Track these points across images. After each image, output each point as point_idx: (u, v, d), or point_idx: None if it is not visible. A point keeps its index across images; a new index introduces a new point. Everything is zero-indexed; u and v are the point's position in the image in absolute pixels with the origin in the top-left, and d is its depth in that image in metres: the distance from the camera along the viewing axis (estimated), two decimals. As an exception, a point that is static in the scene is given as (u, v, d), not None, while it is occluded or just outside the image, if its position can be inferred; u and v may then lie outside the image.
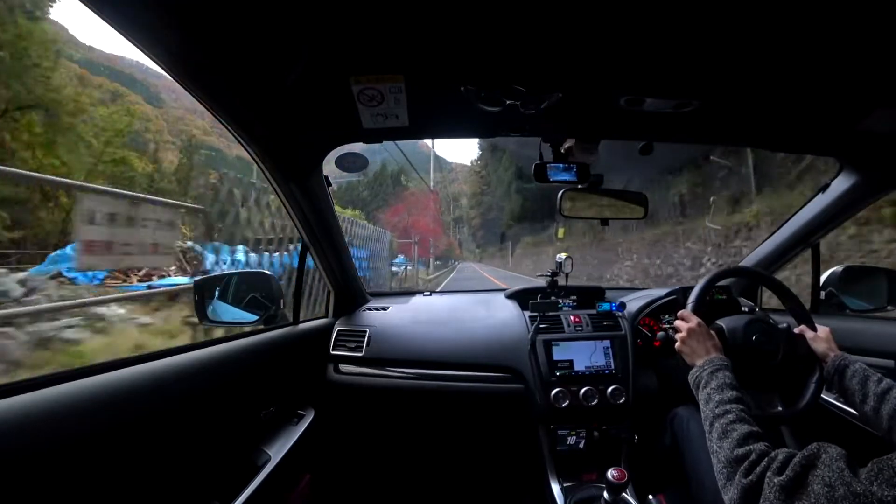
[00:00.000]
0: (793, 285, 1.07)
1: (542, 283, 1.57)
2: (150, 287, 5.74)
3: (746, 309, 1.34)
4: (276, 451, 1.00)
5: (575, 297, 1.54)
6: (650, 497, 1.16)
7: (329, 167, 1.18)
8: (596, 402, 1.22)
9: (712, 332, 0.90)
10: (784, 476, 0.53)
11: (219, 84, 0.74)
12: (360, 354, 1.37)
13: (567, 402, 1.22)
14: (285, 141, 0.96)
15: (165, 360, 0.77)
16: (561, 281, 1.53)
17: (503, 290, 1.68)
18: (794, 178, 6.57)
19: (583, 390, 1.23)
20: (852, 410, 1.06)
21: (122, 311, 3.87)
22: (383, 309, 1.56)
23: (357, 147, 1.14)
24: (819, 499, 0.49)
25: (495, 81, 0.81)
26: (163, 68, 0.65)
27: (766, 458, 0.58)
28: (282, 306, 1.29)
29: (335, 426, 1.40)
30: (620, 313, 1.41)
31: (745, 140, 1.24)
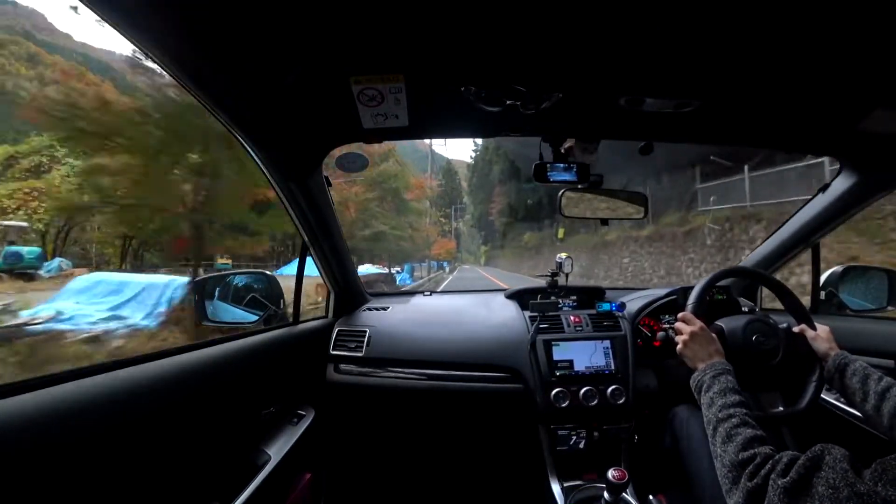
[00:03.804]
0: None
1: (542, 283, 1.57)
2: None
3: (746, 309, 1.34)
4: (276, 451, 1.00)
5: (575, 298, 1.54)
6: (650, 497, 1.16)
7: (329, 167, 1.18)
8: (596, 402, 1.22)
9: (713, 335, 0.90)
10: (788, 478, 0.53)
11: (219, 84, 0.74)
12: (360, 354, 1.37)
13: (567, 402, 1.22)
14: (285, 141, 0.96)
15: (165, 360, 0.77)
16: (561, 281, 1.53)
17: (504, 290, 1.68)
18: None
19: (583, 390, 1.23)
20: (853, 411, 1.06)
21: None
22: (383, 309, 1.56)
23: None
24: (823, 500, 0.49)
25: (495, 81, 0.81)
26: (162, 68, 0.65)
27: (770, 461, 0.58)
28: (281, 306, 1.29)
29: (335, 426, 1.40)
30: (620, 313, 1.41)
31: (745, 140, 1.24)
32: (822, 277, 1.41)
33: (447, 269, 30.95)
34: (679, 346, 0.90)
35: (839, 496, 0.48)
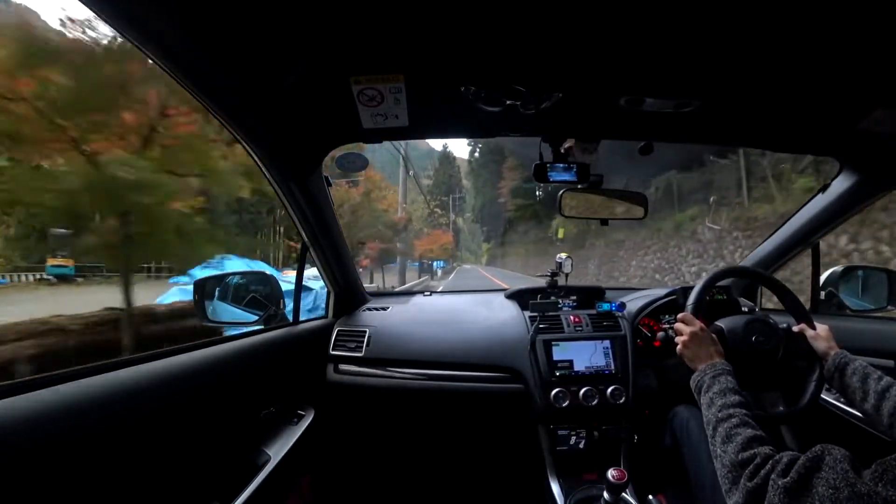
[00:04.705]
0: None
1: (542, 283, 1.57)
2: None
3: (746, 309, 1.34)
4: (276, 451, 1.00)
5: (575, 298, 1.54)
6: (650, 497, 1.16)
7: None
8: (596, 402, 1.22)
9: (713, 335, 0.90)
10: (788, 478, 0.53)
11: (219, 84, 0.74)
12: (360, 354, 1.37)
13: (567, 402, 1.22)
14: (285, 141, 0.96)
15: (165, 360, 0.77)
16: (561, 281, 1.53)
17: (504, 290, 1.68)
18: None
19: (583, 390, 1.23)
20: (853, 411, 1.06)
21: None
22: (383, 309, 1.56)
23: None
24: (823, 500, 0.49)
25: (495, 81, 0.81)
26: (162, 68, 0.65)
27: (770, 461, 0.58)
28: (281, 306, 1.29)
29: (335, 426, 1.40)
30: (620, 313, 1.41)
31: (745, 140, 1.24)
32: (822, 277, 1.41)
33: (438, 273, 19.67)
34: (679, 347, 0.90)
35: (839, 496, 0.48)
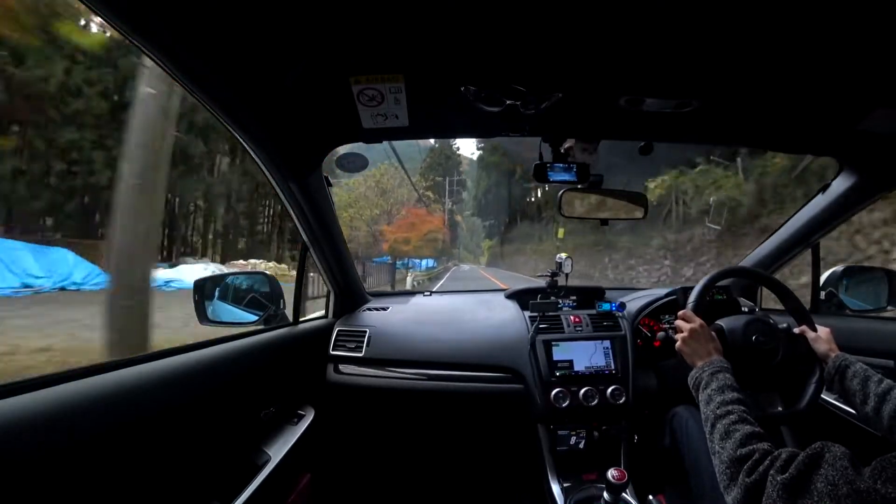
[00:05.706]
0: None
1: (542, 283, 1.57)
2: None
3: (746, 309, 1.34)
4: (276, 451, 1.00)
5: (575, 298, 1.54)
6: (650, 497, 1.16)
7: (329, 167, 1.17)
8: (596, 402, 1.22)
9: (713, 333, 0.90)
10: (787, 474, 0.53)
11: (219, 84, 0.74)
12: (360, 355, 1.37)
13: (567, 402, 1.22)
14: (285, 141, 0.96)
15: (165, 360, 0.77)
16: (561, 281, 1.53)
17: (503, 290, 1.68)
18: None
19: (583, 390, 1.23)
20: (852, 410, 1.06)
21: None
22: (383, 309, 1.56)
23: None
24: (822, 497, 0.49)
25: (495, 81, 0.81)
26: (162, 68, 0.65)
27: (769, 457, 0.58)
28: (281, 306, 1.29)
29: (335, 426, 1.40)
30: (620, 313, 1.41)
31: (745, 140, 1.24)
32: (822, 277, 1.41)
33: (409, 278, 13.42)
34: (678, 344, 0.90)
35: (838, 493, 0.48)
